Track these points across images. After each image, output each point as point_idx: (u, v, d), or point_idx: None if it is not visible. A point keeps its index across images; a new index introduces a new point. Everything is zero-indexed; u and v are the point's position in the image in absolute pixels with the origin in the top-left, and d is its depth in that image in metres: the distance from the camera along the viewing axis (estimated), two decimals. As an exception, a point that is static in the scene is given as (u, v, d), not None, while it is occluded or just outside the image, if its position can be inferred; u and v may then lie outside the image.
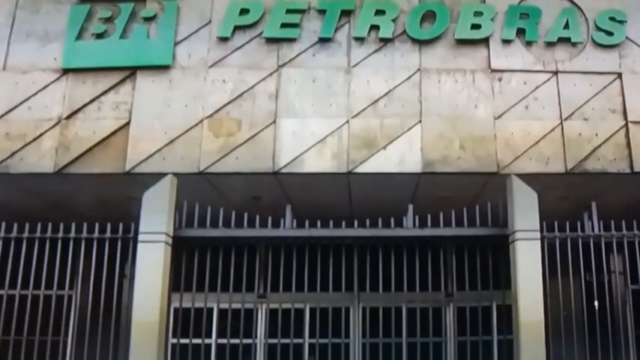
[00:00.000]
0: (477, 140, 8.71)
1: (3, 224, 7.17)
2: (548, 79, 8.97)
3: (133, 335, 6.60)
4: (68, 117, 8.69)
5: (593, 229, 7.26)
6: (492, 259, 7.13)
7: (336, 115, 8.65)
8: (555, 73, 8.96)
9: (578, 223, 7.22)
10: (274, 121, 8.63)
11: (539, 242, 6.92)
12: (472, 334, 7.33)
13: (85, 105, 8.73)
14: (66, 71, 8.80)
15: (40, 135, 8.65)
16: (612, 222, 7.23)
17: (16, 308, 7.04)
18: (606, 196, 9.00)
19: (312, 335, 8.75)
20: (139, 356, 6.51)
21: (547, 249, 7.00)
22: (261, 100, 8.72)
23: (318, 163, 8.51)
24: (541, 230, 6.98)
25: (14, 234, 7.12)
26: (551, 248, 7.07)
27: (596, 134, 8.80)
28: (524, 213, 6.99)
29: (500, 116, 8.86)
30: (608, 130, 8.82)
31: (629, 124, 8.80)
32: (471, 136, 8.71)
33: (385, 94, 8.75)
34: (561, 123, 8.84)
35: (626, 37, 8.97)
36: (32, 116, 8.71)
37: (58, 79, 8.82)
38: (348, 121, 8.61)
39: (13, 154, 8.55)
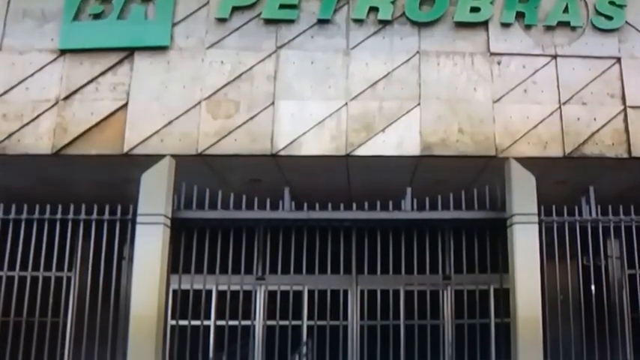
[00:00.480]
0: (475, 123, 8.71)
1: (1, 206, 7.15)
2: (547, 63, 8.95)
3: (132, 317, 6.63)
4: (66, 98, 8.65)
5: (590, 214, 7.28)
6: (490, 243, 7.16)
7: (335, 98, 8.63)
8: (554, 57, 8.93)
9: (576, 208, 7.25)
10: (272, 103, 8.60)
11: (536, 226, 6.95)
12: (470, 317, 7.38)
13: (83, 86, 8.68)
14: (63, 52, 8.74)
15: (38, 116, 8.61)
16: (610, 207, 7.25)
17: (15, 290, 7.05)
18: (604, 180, 9.03)
19: (310, 317, 8.80)
20: (138, 338, 6.54)
21: (545, 233, 7.02)
22: (260, 81, 8.68)
23: (317, 145, 8.50)
24: (539, 214, 7.00)
25: (12, 215, 7.12)
26: (549, 232, 7.09)
27: (595, 119, 8.80)
28: (522, 197, 7.01)
29: (498, 100, 8.85)
30: (607, 114, 8.82)
31: (628, 109, 8.80)
32: (469, 119, 8.70)
33: (384, 77, 8.72)
34: (560, 107, 8.84)
35: (626, 22, 8.95)
36: (29, 97, 8.66)
37: (55, 59, 8.76)
38: (346, 104, 8.59)
39: (10, 135, 8.51)
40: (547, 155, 8.72)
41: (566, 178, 9.50)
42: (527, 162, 7.36)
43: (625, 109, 8.83)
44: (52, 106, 8.62)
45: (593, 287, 7.56)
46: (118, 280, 7.09)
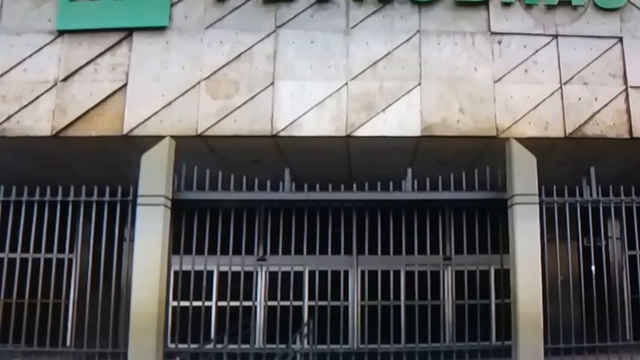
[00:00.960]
0: (476, 103, 8.68)
1: (2, 188, 7.14)
2: (548, 43, 8.89)
3: (133, 298, 6.65)
4: (64, 79, 8.61)
5: (591, 194, 7.26)
6: (491, 223, 7.16)
7: (335, 78, 8.58)
8: (555, 36, 8.88)
9: (577, 188, 7.23)
10: (272, 83, 8.56)
11: (537, 206, 6.93)
12: (470, 297, 7.40)
13: (82, 67, 8.64)
14: (61, 33, 8.68)
15: (37, 98, 8.58)
16: (611, 187, 7.24)
17: (17, 271, 7.06)
18: (605, 161, 9.02)
19: (311, 298, 8.84)
20: (139, 319, 6.56)
21: (545, 213, 7.01)
22: (259, 61, 8.63)
23: (317, 126, 8.48)
24: (540, 194, 6.99)
25: (13, 197, 7.11)
26: (550, 213, 7.09)
27: (596, 99, 8.77)
28: (523, 177, 6.99)
29: (499, 79, 8.81)
30: (608, 94, 8.79)
31: (629, 89, 8.76)
32: (470, 99, 8.67)
33: (384, 56, 8.67)
34: (561, 87, 8.80)
35: (628, 1, 8.88)
36: (28, 78, 8.62)
37: (53, 40, 8.70)
38: (346, 84, 8.55)
39: (9, 117, 8.49)
40: (548, 136, 8.71)
41: (567, 158, 9.49)
42: (528, 142, 7.34)
43: (626, 90, 8.79)
44: (51, 87, 8.58)
45: (593, 268, 7.57)
46: (119, 261, 7.11)
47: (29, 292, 7.03)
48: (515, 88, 8.81)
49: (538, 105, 8.74)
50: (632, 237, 7.35)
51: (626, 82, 8.81)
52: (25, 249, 7.10)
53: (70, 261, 7.57)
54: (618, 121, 8.73)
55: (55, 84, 8.57)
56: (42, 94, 8.57)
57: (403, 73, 8.59)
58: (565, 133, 8.67)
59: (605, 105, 8.74)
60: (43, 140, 8.62)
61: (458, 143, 8.71)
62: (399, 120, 8.44)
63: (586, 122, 8.69)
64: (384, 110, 8.46)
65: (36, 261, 7.02)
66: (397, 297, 7.35)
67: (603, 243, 7.86)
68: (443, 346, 7.03)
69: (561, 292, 7.08)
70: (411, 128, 8.44)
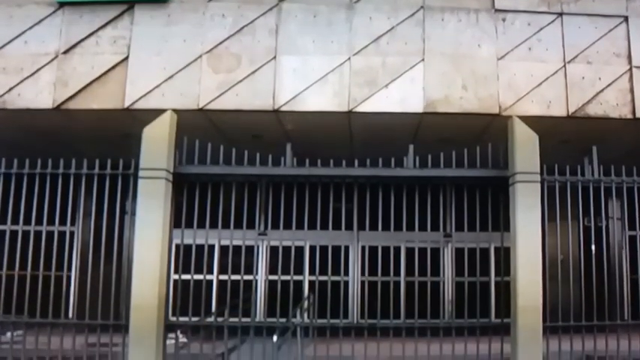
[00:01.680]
0: (479, 81, 8.66)
1: (3, 160, 7.14)
2: (553, 21, 8.84)
3: (135, 270, 6.67)
4: (65, 52, 8.57)
5: (592, 174, 7.24)
6: (492, 201, 7.16)
7: (338, 53, 8.54)
8: (560, 14, 8.83)
9: (579, 168, 7.22)
10: (274, 58, 8.52)
11: (538, 185, 6.92)
12: (470, 275, 7.43)
13: (83, 40, 8.61)
14: (62, 4, 8.62)
15: (38, 70, 8.55)
16: (612, 167, 7.23)
17: (19, 244, 7.08)
18: (607, 141, 9.00)
19: (311, 272, 8.88)
20: (140, 291, 6.59)
21: (547, 192, 7.01)
22: (261, 35, 8.58)
23: (319, 101, 8.46)
24: (541, 173, 6.97)
25: (14, 170, 7.10)
26: (551, 192, 7.08)
27: (600, 78, 8.74)
28: (525, 155, 6.96)
29: (503, 57, 8.78)
30: (612, 74, 8.76)
31: (634, 69, 8.74)
32: (473, 76, 8.65)
33: (388, 32, 8.62)
34: (564, 66, 8.78)
35: (634, -20, 8.80)
36: (29, 51, 8.59)
37: (53, 12, 8.65)
38: (349, 59, 8.51)
39: (10, 89, 8.47)
40: (550, 114, 8.70)
41: (569, 137, 9.48)
42: (531, 120, 7.30)
43: (630, 69, 8.76)
44: (52, 60, 8.55)
45: (593, 248, 7.58)
46: (120, 234, 7.12)
47: (31, 265, 7.06)
48: (518, 66, 8.78)
49: (541, 83, 8.72)
50: (633, 217, 7.36)
51: (630, 62, 8.78)
52: (27, 222, 7.11)
53: (72, 234, 7.57)
54: (622, 101, 8.71)
55: (56, 56, 8.54)
56: (43, 67, 8.54)
57: (406, 49, 8.55)
58: (568, 112, 8.66)
59: (609, 85, 8.71)
60: (45, 113, 8.61)
61: (460, 120, 8.70)
62: (402, 96, 8.42)
63: (589, 102, 8.68)
64: (386, 86, 8.44)
65: (38, 234, 7.03)
66: (397, 273, 7.37)
67: (604, 223, 7.85)
68: (442, 323, 7.06)
69: (561, 271, 7.10)
70: (414, 104, 8.43)
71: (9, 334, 7.08)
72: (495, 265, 7.21)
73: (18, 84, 8.50)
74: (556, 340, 6.85)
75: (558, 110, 8.72)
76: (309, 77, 8.40)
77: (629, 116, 8.73)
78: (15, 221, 7.13)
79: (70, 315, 7.17)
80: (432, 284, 7.19)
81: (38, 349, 6.81)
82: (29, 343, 6.91)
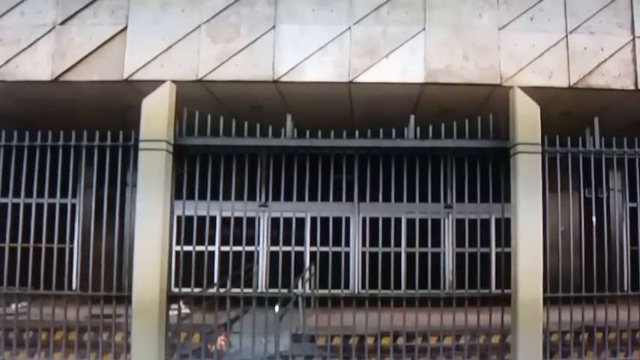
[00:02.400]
0: (480, 51, 8.59)
1: (3, 133, 7.11)
2: (555, -10, 8.75)
3: (136, 242, 6.68)
4: (63, 23, 8.49)
5: (594, 145, 7.21)
6: (492, 172, 7.14)
7: (337, 22, 8.46)
8: (562, -17, 8.72)
9: (580, 139, 7.19)
10: (273, 27, 8.44)
11: (539, 156, 6.90)
12: (470, 245, 7.45)
13: (80, 10, 8.51)
14: (58, -26, 8.50)
15: (35, 41, 8.47)
16: (614, 139, 7.21)
17: (21, 216, 7.09)
18: (609, 112, 8.98)
19: (312, 244, 8.91)
20: (142, 263, 6.62)
21: (547, 163, 7.00)
22: (260, 4, 8.50)
23: (319, 71, 8.41)
24: (542, 144, 6.95)
25: (15, 142, 7.07)
26: (552, 163, 7.07)
27: (602, 49, 8.67)
28: (526, 126, 6.93)
29: (504, 27, 8.70)
30: (615, 45, 8.69)
31: (637, 40, 8.67)
32: (474, 46, 8.59)
33: (388, 0, 8.52)
34: (566, 36, 8.70)
35: (638, -52, 8.67)
36: (25, 22, 8.51)
37: (50, -18, 8.53)
38: (349, 28, 8.43)
39: (7, 60, 8.41)
40: (552, 85, 8.66)
41: (570, 108, 9.45)
42: (532, 91, 7.25)
43: (633, 40, 8.69)
44: (49, 31, 8.47)
45: (594, 219, 7.59)
46: (121, 206, 7.12)
47: (34, 237, 7.08)
48: (520, 36, 8.71)
49: (543, 54, 8.66)
50: (633, 189, 7.36)
51: (633, 33, 8.71)
52: (29, 194, 7.11)
53: (73, 206, 7.57)
54: (624, 71, 8.66)
55: (54, 27, 8.46)
56: (40, 38, 8.47)
57: (407, 18, 8.46)
58: (569, 82, 8.62)
59: (611, 55, 8.66)
60: (43, 85, 8.56)
61: (461, 91, 8.66)
62: (403, 66, 8.37)
63: (591, 72, 8.63)
64: (387, 56, 8.38)
65: (39, 206, 7.03)
66: (398, 244, 7.40)
67: (604, 194, 7.87)
68: (443, 293, 7.11)
69: (561, 243, 7.12)
70: (415, 75, 8.38)
71: (13, 305, 7.14)
72: (496, 236, 7.21)
73: (15, 56, 8.43)
74: (556, 310, 6.91)
75: (560, 81, 8.67)
76: (308, 47, 8.34)
77: (632, 87, 8.68)
78: (16, 194, 7.13)
79: (74, 287, 7.22)
80: (433, 255, 7.21)
81: (42, 320, 6.87)
82: (33, 314, 6.98)
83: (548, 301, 6.86)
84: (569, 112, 9.53)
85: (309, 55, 8.35)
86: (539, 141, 6.92)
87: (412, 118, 7.16)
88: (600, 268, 7.19)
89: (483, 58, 8.58)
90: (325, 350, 7.23)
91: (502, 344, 7.27)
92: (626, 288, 7.42)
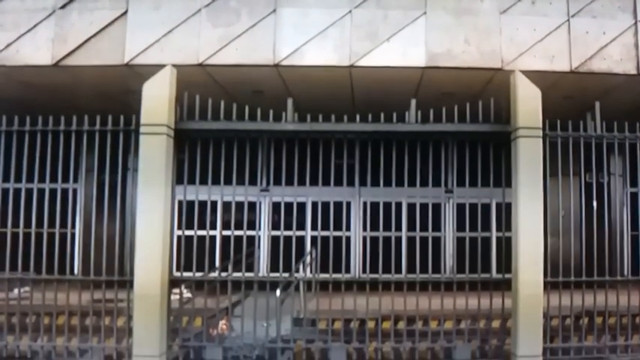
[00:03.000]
0: (481, 35, 8.56)
1: (4, 118, 7.09)
2: (557, -26, 8.69)
3: (138, 226, 6.69)
4: (63, 7, 8.45)
5: (595, 130, 7.19)
6: (493, 156, 7.13)
7: (338, 5, 8.41)
8: (565, -33, 8.66)
9: (581, 123, 7.17)
10: (274, 11, 8.40)
11: (540, 140, 6.88)
12: (471, 230, 7.45)
13: (80, -6, 8.46)
14: (57, -42, 8.45)
15: (35, 26, 8.44)
16: (615, 124, 7.19)
17: (22, 202, 7.10)
18: (611, 97, 8.96)
19: (313, 228, 8.93)
20: (144, 247, 6.62)
21: (549, 148, 6.98)
22: (261, -13, 8.45)
23: (319, 55, 8.38)
24: (543, 128, 6.93)
25: (16, 127, 7.07)
26: (553, 147, 7.05)
27: (604, 33, 8.63)
28: (527, 110, 6.90)
29: (505, 11, 8.66)
30: (617, 29, 8.65)
31: (639, 24, 8.61)
32: (475, 30, 8.55)
33: (390, -16, 8.47)
34: (568, 20, 8.65)
35: None
36: (25, 6, 8.47)
37: (50, -34, 8.48)
38: (350, 12, 8.38)
39: (8, 45, 8.38)
40: (553, 69, 8.63)
41: (572, 93, 9.42)
42: (534, 76, 7.22)
43: (636, 24, 8.64)
44: (49, 15, 8.43)
45: (594, 204, 7.58)
46: (123, 191, 7.12)
47: (36, 222, 7.09)
48: (521, 20, 8.67)
49: (544, 38, 8.62)
50: (634, 174, 7.35)
51: (635, 17, 8.66)
52: (30, 179, 7.11)
53: (75, 191, 7.57)
54: (626, 56, 8.63)
55: (54, 12, 8.43)
56: (40, 22, 8.44)
57: (408, 2, 8.43)
58: (571, 67, 8.59)
59: (613, 39, 8.62)
60: (44, 69, 8.54)
61: (462, 75, 8.63)
62: (404, 50, 8.34)
63: (593, 56, 8.60)
64: (388, 40, 8.34)
65: (41, 191, 7.04)
66: (399, 228, 7.40)
67: (605, 179, 7.86)
68: (443, 277, 7.12)
69: (562, 227, 7.12)
70: (416, 58, 8.36)
71: (16, 290, 7.16)
72: (496, 220, 7.21)
73: (15, 40, 8.41)
74: (557, 295, 6.93)
75: (561, 65, 8.64)
76: (309, 31, 8.30)
77: (633, 72, 8.65)
78: (18, 179, 7.14)
79: (75, 271, 7.24)
80: (434, 239, 7.23)
81: (45, 305, 6.91)
82: (36, 299, 7.01)
83: (549, 286, 6.88)
84: (571, 97, 9.50)
85: (309, 39, 8.31)
86: (541, 125, 6.90)
87: (413, 102, 7.14)
88: (601, 252, 7.19)
89: (484, 42, 8.54)
90: (326, 334, 7.26)
91: (502, 328, 7.29)
92: (626, 273, 7.42)
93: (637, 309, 7.12)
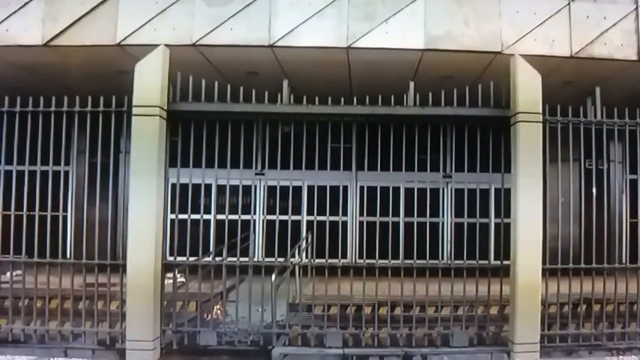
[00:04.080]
0: (481, 17, 8.45)
1: (-6, 98, 6.96)
2: (558, -44, 8.56)
3: (131, 210, 6.59)
4: (54, -15, 8.26)
5: (595, 116, 7.11)
6: (493, 141, 7.04)
7: (336, -16, 8.27)
8: (566, -51, 8.54)
9: (581, 109, 7.09)
10: (270, -11, 8.25)
11: (540, 125, 6.80)
12: (469, 216, 7.38)
13: (71, -28, 8.28)
14: None
15: (25, 4, 8.27)
16: (615, 109, 7.10)
17: (14, 184, 6.99)
18: (611, 82, 8.88)
19: (309, 212, 8.84)
20: (137, 231, 6.53)
21: (548, 133, 6.90)
22: (257, -35, 8.28)
23: (316, 36, 8.24)
24: (543, 113, 6.84)
25: (6, 108, 6.92)
26: (553, 133, 6.97)
27: (605, 17, 8.53)
28: (527, 95, 6.81)
29: (505, -8, 8.53)
30: (617, 14, 8.55)
31: (640, 9, 8.52)
32: (475, 12, 8.44)
33: (388, -37, 8.32)
34: (569, 4, 8.55)
35: None
36: (14, -16, 8.28)
37: (39, -57, 8.29)
38: (348, -9, 8.24)
39: (-3, 24, 8.21)
40: (553, 54, 8.53)
41: (572, 78, 9.34)
42: (534, 60, 7.13)
43: (637, 9, 8.55)
44: (40, -7, 8.25)
45: (594, 190, 7.52)
46: (115, 173, 7.01)
47: (27, 205, 6.98)
48: (521, 3, 8.56)
49: (544, 21, 8.52)
50: (634, 160, 7.28)
51: (636, 2, 8.59)
52: (21, 161, 6.98)
53: (66, 173, 7.44)
54: (626, 41, 8.54)
55: (44, -10, 8.23)
56: (30, 1, 8.25)
57: (408, -18, 8.28)
58: (571, 51, 8.50)
59: (614, 24, 8.52)
60: (34, 49, 8.39)
61: (462, 58, 8.52)
62: (402, 31, 8.21)
63: (593, 41, 8.51)
64: (386, 21, 8.21)
65: (32, 174, 6.92)
66: (396, 213, 7.31)
67: (605, 165, 7.80)
68: (441, 264, 7.06)
69: (561, 214, 7.07)
70: (414, 40, 8.24)
71: (8, 273, 7.07)
72: (495, 206, 7.13)
73: (5, 19, 8.23)
74: (555, 282, 6.88)
75: (562, 50, 8.54)
76: (305, 11, 8.15)
77: (634, 57, 8.56)
78: (9, 161, 7.02)
79: (68, 255, 7.15)
80: (431, 225, 7.16)
81: (38, 288, 6.82)
82: (28, 282, 6.92)
83: (547, 273, 6.83)
84: (571, 82, 9.42)
85: (306, 19, 8.17)
86: (540, 110, 6.82)
87: (412, 84, 7.04)
88: (599, 239, 7.15)
89: (484, 24, 8.43)
90: (322, 320, 7.21)
91: (500, 315, 7.26)
92: (624, 260, 7.37)
93: (635, 296, 7.08)
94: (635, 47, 8.53)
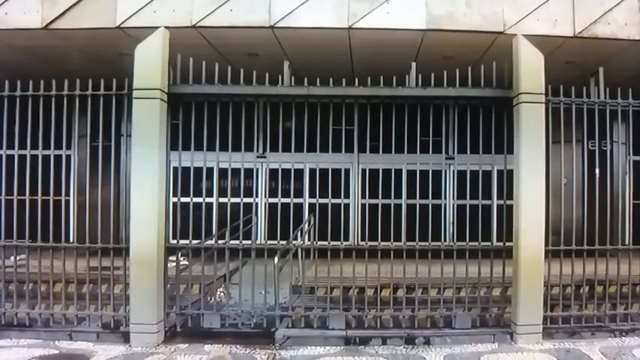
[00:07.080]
0: (483, -4, 8.36)
1: (-6, 82, 6.93)
2: None
3: (133, 193, 6.58)
4: (52, -33, 8.19)
5: (598, 96, 7.06)
6: (495, 122, 7.00)
7: (336, -37, 8.18)
8: None
9: (584, 89, 7.04)
10: (270, -32, 8.18)
11: (543, 106, 6.75)
12: (472, 197, 7.36)
13: (69, -47, 8.20)
14: None
15: (23, -13, 8.20)
16: (619, 90, 7.05)
17: (16, 168, 6.98)
18: (614, 63, 8.80)
19: (312, 195, 8.84)
20: (139, 214, 6.53)
21: (551, 114, 6.85)
22: (256, -57, 8.20)
23: (317, 16, 8.17)
24: (546, 94, 6.79)
25: (6, 92, 6.89)
26: (556, 113, 6.92)
27: (608, -4, 8.45)
28: (530, 75, 6.75)
29: (508, -28, 8.44)
30: (621, -8, 8.46)
31: (645, -12, 8.43)
32: (477, -9, 8.34)
33: (390, -58, 8.23)
34: (572, -18, 8.46)
35: None
36: (12, -34, 8.21)
37: None
38: (349, -30, 8.16)
39: (-4, 7, 8.15)
40: (556, 34, 8.45)
41: (575, 58, 9.26)
42: (536, 40, 7.07)
43: (641, -12, 8.45)
44: (37, -25, 8.18)
45: (597, 172, 7.50)
46: (117, 157, 7.00)
47: (30, 189, 6.98)
48: (524, -18, 8.45)
49: (547, 1, 8.42)
50: (638, 142, 7.24)
51: (641, -20, 8.47)
52: (23, 146, 6.97)
53: (68, 157, 7.44)
54: (630, 20, 8.45)
55: (42, -28, 8.16)
56: (29, -16, 8.18)
57: (409, -39, 8.19)
58: (574, 31, 8.41)
59: (618, 3, 8.43)
60: (34, 33, 8.33)
61: (464, 38, 8.45)
62: (404, 11, 8.14)
63: (597, 21, 8.41)
64: (387, 0, 8.11)
65: (34, 158, 6.91)
66: (398, 196, 7.30)
67: (608, 147, 7.76)
68: (443, 245, 7.06)
69: (564, 195, 7.05)
70: (416, 21, 8.17)
71: (12, 258, 7.10)
72: (498, 187, 7.11)
73: (4, 2, 8.17)
74: (557, 263, 6.88)
75: (565, 29, 8.46)
76: (306, -10, 8.10)
77: (638, 37, 8.48)
78: (10, 146, 7.01)
79: (71, 239, 7.16)
80: (434, 207, 7.13)
81: (42, 272, 6.85)
82: (32, 266, 6.94)
83: (550, 254, 6.83)
84: (574, 62, 9.34)
85: (306, 0, 8.09)
86: (543, 91, 6.77)
87: (414, 65, 6.99)
88: (602, 221, 7.14)
89: (486, 4, 8.34)
90: (325, 302, 7.23)
91: (503, 297, 7.27)
92: (627, 241, 7.36)
93: (637, 278, 7.08)
94: (638, 27, 8.45)
